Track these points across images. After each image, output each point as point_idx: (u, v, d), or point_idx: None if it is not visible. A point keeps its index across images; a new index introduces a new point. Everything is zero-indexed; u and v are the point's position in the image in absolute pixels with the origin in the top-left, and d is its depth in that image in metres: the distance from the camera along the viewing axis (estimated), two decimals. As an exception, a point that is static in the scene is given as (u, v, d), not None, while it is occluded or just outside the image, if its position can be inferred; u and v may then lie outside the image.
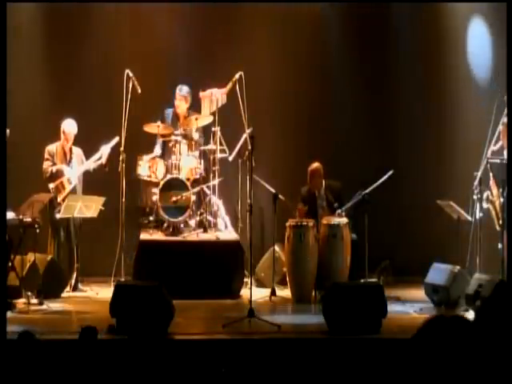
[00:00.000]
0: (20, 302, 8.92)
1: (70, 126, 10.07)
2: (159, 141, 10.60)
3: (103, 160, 10.07)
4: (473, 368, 3.06)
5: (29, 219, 9.15)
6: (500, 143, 9.47)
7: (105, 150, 10.07)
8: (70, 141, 10.09)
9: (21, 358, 5.22)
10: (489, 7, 10.87)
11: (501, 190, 9.00)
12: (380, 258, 10.25)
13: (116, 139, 10.06)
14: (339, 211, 9.88)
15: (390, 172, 9.61)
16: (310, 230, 9.66)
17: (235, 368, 6.79)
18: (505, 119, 9.34)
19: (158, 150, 10.55)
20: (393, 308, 8.54)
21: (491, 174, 9.25)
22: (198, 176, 10.44)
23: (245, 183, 9.58)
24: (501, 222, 9.11)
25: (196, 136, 10.49)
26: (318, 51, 11.32)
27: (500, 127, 9.39)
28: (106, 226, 10.19)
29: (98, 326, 6.14)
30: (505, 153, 9.41)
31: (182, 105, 10.66)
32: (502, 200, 9.04)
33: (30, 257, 9.28)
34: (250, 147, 8.87)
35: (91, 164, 10.14)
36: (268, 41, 11.21)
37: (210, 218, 10.41)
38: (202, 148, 10.53)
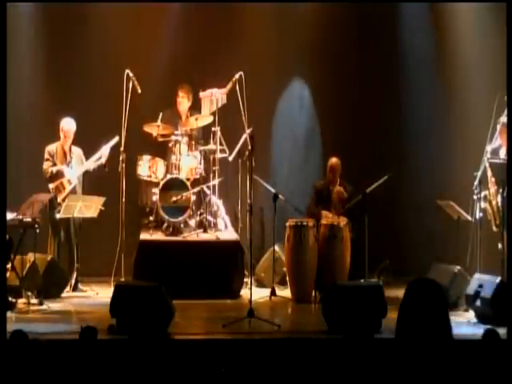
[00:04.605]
0: (20, 302, 8.92)
1: (68, 124, 10.08)
2: None
3: (103, 160, 10.07)
4: None
5: (29, 219, 9.15)
6: (498, 142, 9.48)
7: (105, 150, 10.07)
8: (70, 139, 10.09)
9: (14, 357, 5.22)
10: (489, 8, 10.88)
11: (500, 189, 9.01)
12: (380, 258, 10.25)
13: (116, 139, 10.06)
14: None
15: (385, 177, 9.60)
16: (309, 230, 9.67)
17: (235, 368, 6.79)
18: (504, 119, 9.35)
19: None
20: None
21: (490, 173, 9.25)
22: (197, 176, 10.44)
23: (245, 183, 9.57)
24: (497, 222, 9.11)
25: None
26: (319, 51, 11.31)
27: (498, 126, 9.41)
28: (106, 225, 10.19)
29: (98, 325, 6.15)
30: (501, 152, 9.42)
31: (183, 102, 10.68)
32: (499, 199, 9.05)
33: (30, 257, 9.27)
34: (250, 147, 8.87)
35: (91, 164, 10.14)
36: (268, 41, 11.21)
37: (210, 217, 10.41)
38: (202, 148, 10.53)
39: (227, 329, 7.84)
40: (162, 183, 10.22)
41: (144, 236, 10.15)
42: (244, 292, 9.70)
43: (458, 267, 9.14)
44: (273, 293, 9.67)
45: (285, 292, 9.87)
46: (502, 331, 6.00)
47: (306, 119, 11.43)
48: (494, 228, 9.22)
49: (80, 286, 9.97)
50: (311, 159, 11.27)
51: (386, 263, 10.48)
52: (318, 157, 11.24)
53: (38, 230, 9.17)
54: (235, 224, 10.55)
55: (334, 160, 10.30)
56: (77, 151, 10.18)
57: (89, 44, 10.96)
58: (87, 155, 10.19)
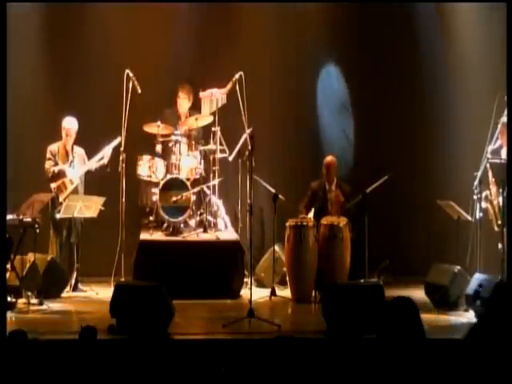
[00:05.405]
0: (20, 302, 8.91)
1: (69, 123, 10.09)
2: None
3: (105, 160, 10.08)
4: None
5: (29, 219, 9.15)
6: (499, 142, 9.49)
7: (107, 151, 10.07)
8: (71, 138, 10.09)
9: (13, 357, 5.21)
10: (489, 8, 10.88)
11: (500, 189, 9.01)
12: (380, 258, 10.24)
13: (118, 139, 10.06)
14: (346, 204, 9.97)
15: (385, 177, 9.61)
16: (309, 230, 9.67)
17: (235, 368, 6.79)
18: (504, 119, 9.35)
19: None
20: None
21: (490, 174, 9.26)
22: (197, 176, 10.45)
23: (245, 183, 9.58)
24: (499, 222, 9.12)
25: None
26: (319, 51, 11.31)
27: (499, 126, 9.41)
28: (106, 225, 10.18)
29: (98, 325, 6.15)
30: (503, 152, 9.43)
31: (184, 103, 10.69)
32: (500, 199, 9.05)
33: (30, 257, 9.27)
34: (250, 147, 8.88)
35: (93, 164, 10.14)
36: (268, 41, 11.21)
37: (210, 218, 10.41)
38: (202, 148, 10.53)
39: (227, 329, 7.85)
40: (162, 183, 10.22)
41: (144, 236, 10.15)
42: (244, 292, 9.70)
43: (458, 267, 9.14)
44: (273, 293, 9.67)
45: (285, 292, 9.88)
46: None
47: (307, 118, 11.42)
48: (496, 228, 9.22)
49: (80, 285, 9.98)
50: (311, 159, 11.26)
51: (386, 263, 10.48)
52: (318, 156, 11.21)
53: (37, 230, 9.17)
54: (235, 224, 10.55)
55: (329, 158, 10.29)
56: (79, 151, 10.19)
57: (88, 44, 10.96)
58: (88, 155, 10.20)
